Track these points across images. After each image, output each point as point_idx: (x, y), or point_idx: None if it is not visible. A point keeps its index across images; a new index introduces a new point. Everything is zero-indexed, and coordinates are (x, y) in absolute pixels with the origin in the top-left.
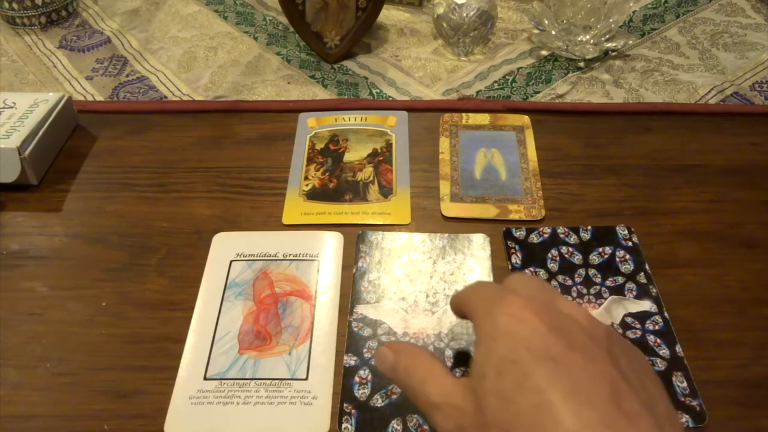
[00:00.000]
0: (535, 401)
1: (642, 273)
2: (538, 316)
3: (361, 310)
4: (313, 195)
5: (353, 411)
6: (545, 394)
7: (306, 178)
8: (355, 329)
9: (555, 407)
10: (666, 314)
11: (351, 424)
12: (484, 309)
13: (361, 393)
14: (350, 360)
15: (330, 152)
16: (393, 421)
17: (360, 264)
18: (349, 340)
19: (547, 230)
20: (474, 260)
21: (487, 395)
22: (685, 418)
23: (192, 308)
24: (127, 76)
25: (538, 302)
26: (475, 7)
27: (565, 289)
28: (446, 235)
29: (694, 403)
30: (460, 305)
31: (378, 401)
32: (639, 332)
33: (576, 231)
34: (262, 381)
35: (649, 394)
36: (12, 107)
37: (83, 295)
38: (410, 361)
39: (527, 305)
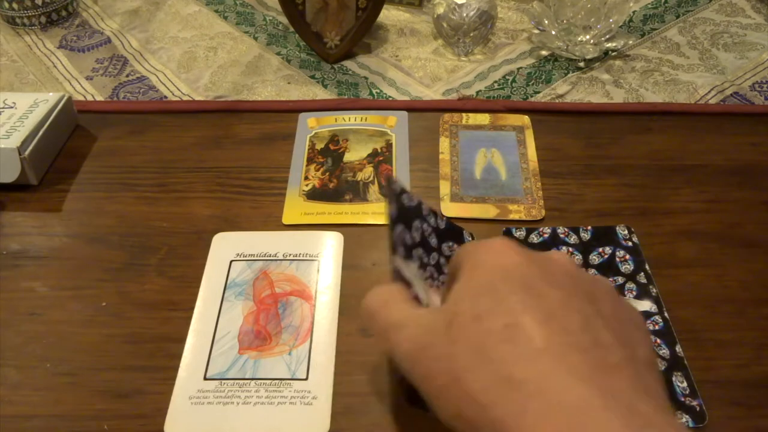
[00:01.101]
0: (508, 321)
1: (642, 273)
2: (520, 254)
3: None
4: (313, 195)
5: None
6: (518, 316)
7: (306, 178)
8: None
9: (527, 327)
10: (666, 314)
11: None
12: (467, 252)
13: None
14: None
15: (330, 152)
16: None
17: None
18: None
19: (547, 230)
20: None
21: (459, 315)
22: (685, 418)
23: (192, 308)
24: (127, 76)
25: (524, 248)
26: (475, 7)
27: None
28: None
29: (694, 403)
30: (450, 269)
31: None
32: None
33: (576, 231)
34: (262, 381)
35: (628, 337)
36: (12, 107)
37: (83, 295)
38: (374, 291)
39: (512, 246)
